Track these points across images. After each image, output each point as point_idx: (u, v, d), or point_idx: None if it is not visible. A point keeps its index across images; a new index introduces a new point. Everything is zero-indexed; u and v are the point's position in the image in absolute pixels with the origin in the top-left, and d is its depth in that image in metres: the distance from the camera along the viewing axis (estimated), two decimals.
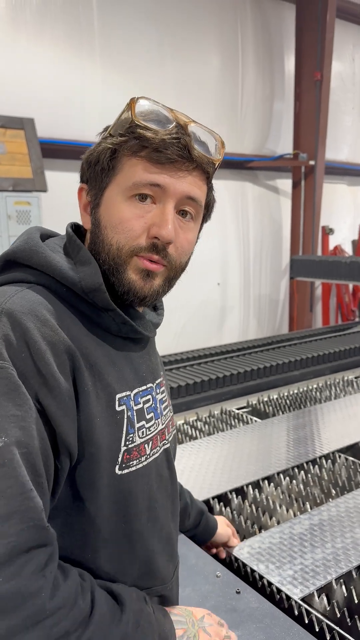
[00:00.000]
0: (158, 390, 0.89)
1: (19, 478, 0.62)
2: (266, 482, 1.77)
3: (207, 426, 2.31)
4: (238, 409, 2.54)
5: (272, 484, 1.76)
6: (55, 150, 4.93)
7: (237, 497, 1.67)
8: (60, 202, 4.66)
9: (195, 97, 5.96)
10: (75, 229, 0.86)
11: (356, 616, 1.17)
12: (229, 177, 6.54)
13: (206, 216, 0.87)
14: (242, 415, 2.42)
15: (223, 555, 1.39)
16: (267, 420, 2.31)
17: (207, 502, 1.63)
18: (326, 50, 6.24)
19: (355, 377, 3.04)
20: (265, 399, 2.64)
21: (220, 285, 6.62)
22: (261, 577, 1.28)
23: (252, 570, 1.30)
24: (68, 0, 4.98)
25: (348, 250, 7.83)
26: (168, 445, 0.91)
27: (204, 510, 1.34)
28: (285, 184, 7.06)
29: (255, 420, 2.34)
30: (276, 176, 7.04)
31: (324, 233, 7.24)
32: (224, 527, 1.39)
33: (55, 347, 0.70)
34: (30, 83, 4.80)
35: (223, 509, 1.62)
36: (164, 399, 0.91)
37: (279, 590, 1.23)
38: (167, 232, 0.75)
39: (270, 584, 1.25)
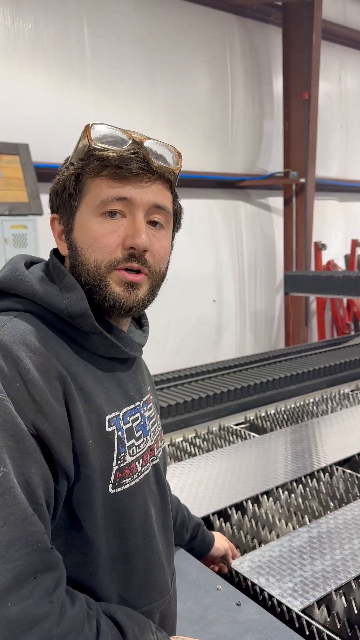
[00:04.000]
0: (145, 408, 0.91)
1: (21, 505, 0.64)
2: (265, 496, 1.79)
3: (205, 443, 2.33)
4: (236, 425, 2.56)
5: (271, 499, 1.78)
6: (50, 174, 4.94)
7: (236, 512, 1.69)
8: None
9: (186, 119, 6.09)
10: (58, 253, 0.89)
11: (356, 626, 1.19)
12: (221, 197, 6.64)
13: (176, 224, 0.90)
14: (240, 431, 2.44)
15: (225, 570, 1.40)
16: (265, 435, 2.33)
17: (207, 518, 1.65)
18: (313, 70, 6.39)
19: (352, 391, 3.07)
20: (263, 414, 2.66)
21: (216, 303, 6.68)
22: (262, 590, 1.30)
23: (253, 584, 1.32)
24: (60, 28, 5.12)
25: (341, 264, 7.91)
26: (157, 460, 0.93)
27: (200, 523, 1.37)
28: (277, 201, 7.17)
29: (254, 436, 2.36)
30: (268, 194, 7.15)
31: (317, 248, 7.33)
32: (220, 541, 1.41)
33: (47, 374, 0.72)
34: (24, 109, 4.91)
35: (223, 524, 1.64)
36: (151, 416, 0.94)
37: (280, 603, 1.25)
38: (141, 241, 0.78)
39: (270, 596, 1.27)
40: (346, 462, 2.09)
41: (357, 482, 1.89)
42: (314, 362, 3.43)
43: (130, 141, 0.79)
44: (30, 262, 0.88)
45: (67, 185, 0.81)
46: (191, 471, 1.96)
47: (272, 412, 2.70)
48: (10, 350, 0.71)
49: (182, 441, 2.35)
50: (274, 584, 1.31)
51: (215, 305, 6.68)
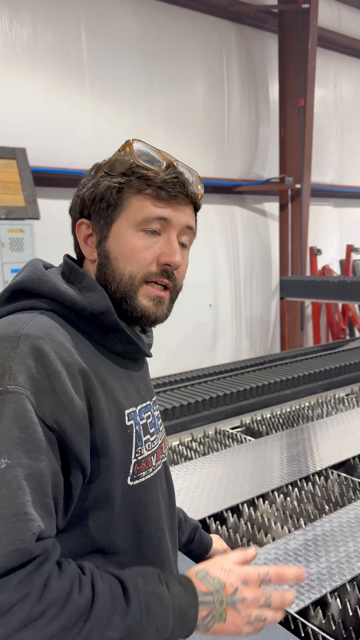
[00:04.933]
0: (155, 408, 0.95)
1: (15, 500, 0.64)
2: (261, 500, 1.80)
3: (201, 446, 2.34)
4: (232, 428, 2.58)
5: (266, 502, 1.79)
6: (47, 179, 5.03)
7: (232, 515, 1.70)
8: (53, 229, 4.74)
9: (183, 125, 6.13)
10: (71, 258, 0.93)
11: (351, 628, 1.21)
12: (218, 202, 6.68)
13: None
14: (236, 434, 2.46)
15: None
16: (260, 439, 2.35)
17: (203, 521, 1.66)
18: (309, 77, 6.44)
19: (347, 395, 3.09)
20: (259, 418, 2.68)
21: (212, 307, 6.70)
22: None
23: None
24: (58, 33, 5.15)
25: (336, 270, 7.96)
26: (166, 459, 0.97)
27: (198, 525, 1.37)
28: (272, 207, 7.21)
29: (249, 440, 2.38)
30: (264, 200, 7.19)
31: (312, 254, 7.37)
32: (219, 543, 1.41)
33: (70, 368, 0.75)
34: (22, 114, 4.93)
35: (219, 527, 1.65)
36: (159, 416, 0.97)
37: None
38: (177, 260, 0.85)
39: None
40: (341, 466, 2.11)
41: (352, 485, 1.91)
42: (310, 366, 3.45)
43: (165, 162, 0.85)
44: (46, 267, 0.91)
45: (107, 196, 0.85)
46: (187, 474, 1.97)
47: (268, 416, 2.71)
48: (35, 344, 0.73)
49: (178, 445, 2.36)
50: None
51: (211, 310, 6.70)
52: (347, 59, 7.90)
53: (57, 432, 0.71)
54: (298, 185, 6.68)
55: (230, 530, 1.64)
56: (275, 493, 1.84)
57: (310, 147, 6.63)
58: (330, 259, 7.95)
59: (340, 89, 7.92)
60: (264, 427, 2.57)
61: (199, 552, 1.37)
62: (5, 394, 0.69)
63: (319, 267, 7.56)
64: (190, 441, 2.41)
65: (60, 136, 5.19)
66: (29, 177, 4.49)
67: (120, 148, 0.86)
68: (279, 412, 2.77)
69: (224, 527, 1.65)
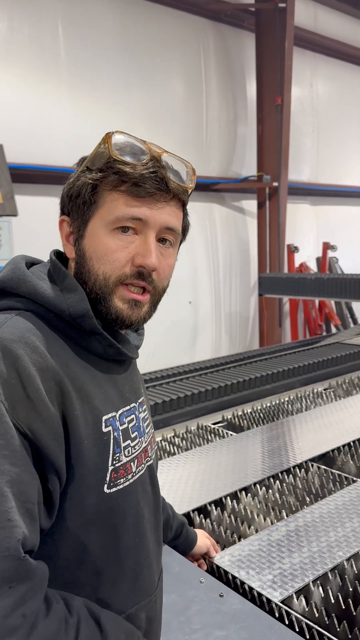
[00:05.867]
0: (140, 409, 0.92)
1: None
2: (243, 492, 1.83)
3: (184, 442, 2.36)
4: (214, 423, 2.60)
5: (249, 495, 1.82)
6: (25, 175, 4.98)
7: (216, 508, 1.72)
8: (31, 226, 4.70)
9: (161, 122, 6.13)
10: (58, 255, 0.90)
11: (333, 615, 1.24)
12: (196, 199, 6.69)
13: (182, 240, 0.92)
14: (218, 429, 2.48)
15: (204, 567, 1.43)
16: (242, 433, 2.38)
17: (187, 515, 1.68)
18: (285, 76, 6.50)
19: (325, 389, 3.14)
20: (240, 413, 2.71)
21: (192, 304, 6.73)
22: (242, 583, 1.33)
23: (234, 577, 1.35)
24: (34, 28, 5.09)
25: (313, 267, 8.06)
26: (151, 462, 0.95)
27: (184, 522, 1.39)
28: (250, 204, 7.26)
29: (231, 434, 2.41)
30: (242, 197, 7.23)
31: (290, 251, 7.46)
32: (203, 539, 1.44)
33: (44, 374, 0.73)
34: None
35: (203, 520, 1.67)
36: (145, 417, 0.95)
37: (260, 594, 1.29)
38: (151, 262, 0.80)
39: (251, 589, 1.31)
40: (321, 459, 2.15)
41: (331, 477, 1.95)
42: (288, 362, 3.50)
43: (149, 154, 0.80)
44: (31, 263, 0.89)
45: (83, 193, 0.82)
46: (170, 469, 1.98)
47: (249, 410, 2.74)
48: (9, 347, 0.71)
49: (161, 440, 2.37)
50: (254, 576, 1.35)
51: (191, 307, 6.72)
52: (323, 58, 8.00)
53: (31, 439, 0.70)
54: (275, 184, 6.74)
55: (214, 523, 1.66)
56: (257, 486, 1.87)
57: (287, 146, 6.70)
58: (307, 256, 8.05)
59: (316, 88, 8.01)
60: (245, 421, 2.60)
61: (184, 548, 1.39)
62: None
63: (296, 264, 7.65)
64: (173, 437, 2.43)
65: (38, 132, 5.14)
66: (6, 174, 4.44)
67: (101, 141, 0.81)
68: (259, 407, 2.80)
69: (207, 520, 1.67)
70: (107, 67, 5.64)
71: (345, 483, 1.89)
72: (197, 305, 6.80)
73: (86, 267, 0.83)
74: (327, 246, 7.95)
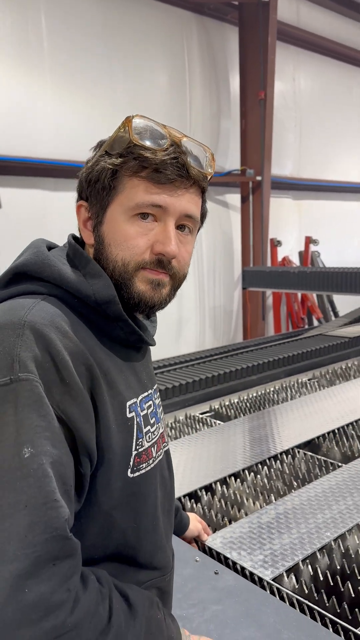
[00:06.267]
0: (156, 396, 0.94)
1: (44, 487, 0.63)
2: (233, 478, 1.87)
3: (173, 431, 2.39)
4: (202, 413, 2.64)
5: (238, 480, 1.86)
6: (8, 167, 4.94)
7: (206, 494, 1.76)
8: (14, 217, 4.67)
9: (144, 114, 6.10)
10: (75, 239, 0.89)
11: (322, 591, 1.29)
12: None
13: (200, 226, 0.91)
14: (205, 419, 2.52)
15: (196, 549, 1.47)
16: (229, 422, 2.42)
17: (179, 500, 1.71)
18: (268, 70, 6.54)
19: (309, 379, 3.20)
20: (227, 403, 2.75)
21: (177, 298, 6.73)
22: (234, 564, 1.37)
23: (226, 558, 1.39)
24: (17, 20, 5.03)
25: (295, 261, 8.15)
26: (167, 447, 0.97)
27: (179, 507, 1.43)
28: (234, 198, 7.31)
29: (219, 423, 2.45)
30: (225, 191, 7.27)
31: (273, 245, 7.53)
32: (195, 523, 1.47)
33: (75, 358, 0.73)
34: None
35: (194, 505, 1.70)
36: (159, 404, 0.96)
37: (252, 574, 1.33)
38: (171, 249, 0.80)
39: (243, 568, 1.35)
40: (307, 445, 2.20)
41: (317, 463, 2.00)
42: (273, 353, 3.55)
43: (169, 139, 0.79)
44: (49, 247, 0.87)
45: (102, 178, 0.80)
46: None
47: (236, 400, 2.79)
48: (41, 331, 0.71)
49: None
50: (245, 557, 1.39)
51: (175, 300, 6.70)
52: (305, 53, 8.06)
53: (66, 422, 0.70)
54: (259, 178, 6.79)
55: (205, 507, 1.70)
56: (246, 472, 1.91)
57: (270, 140, 6.75)
58: (290, 250, 8.14)
59: (299, 82, 8.07)
60: (232, 411, 2.65)
61: (177, 531, 1.43)
62: (19, 381, 0.67)
63: (279, 258, 7.72)
64: None
65: (21, 124, 5.10)
66: None
67: (120, 125, 0.80)
68: (245, 397, 2.85)
69: (198, 504, 1.71)
70: (90, 59, 5.61)
71: (331, 468, 1.95)
72: (181, 298, 6.83)
73: (105, 253, 0.82)
74: (309, 240, 8.04)
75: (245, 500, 1.72)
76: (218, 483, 1.83)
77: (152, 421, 0.88)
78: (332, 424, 2.35)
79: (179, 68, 6.51)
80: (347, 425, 2.36)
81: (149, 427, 0.86)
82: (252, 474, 1.91)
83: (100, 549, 0.81)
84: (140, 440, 0.83)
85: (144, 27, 6.06)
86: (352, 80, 8.91)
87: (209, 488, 1.81)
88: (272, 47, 6.54)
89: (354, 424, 2.39)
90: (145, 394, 0.88)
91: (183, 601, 1.11)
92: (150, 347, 0.95)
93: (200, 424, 2.47)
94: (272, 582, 1.30)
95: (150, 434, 0.87)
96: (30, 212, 4.91)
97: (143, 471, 0.84)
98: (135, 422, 0.82)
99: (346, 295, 4.82)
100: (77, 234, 0.90)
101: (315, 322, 7.84)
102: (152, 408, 0.89)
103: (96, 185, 0.82)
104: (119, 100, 5.90)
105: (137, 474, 0.83)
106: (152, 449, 0.87)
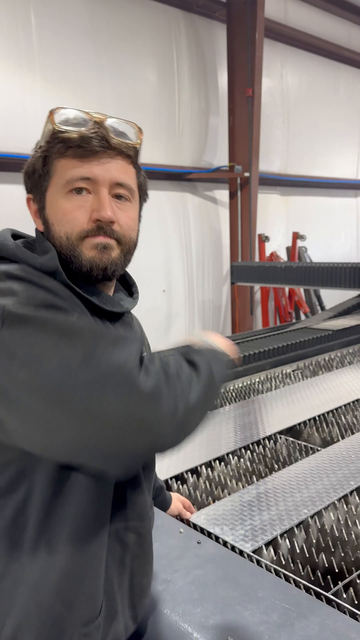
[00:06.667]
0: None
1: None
2: (217, 461, 1.96)
3: None
4: None
5: (222, 463, 1.96)
6: None
7: (192, 476, 1.85)
8: (4, 213, 4.71)
9: (133, 111, 6.16)
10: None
11: (298, 561, 1.39)
12: (169, 188, 6.78)
13: (142, 195, 0.98)
14: None
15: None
16: (215, 410, 2.51)
17: (165, 482, 1.80)
18: (256, 67, 6.61)
19: (293, 371, 3.31)
20: None
21: (166, 292, 6.84)
22: (217, 538, 1.46)
23: (209, 533, 1.48)
24: (6, 17, 5.06)
25: (283, 256, 8.27)
26: None
27: (162, 486, 1.52)
28: (222, 194, 7.39)
29: None
30: (214, 187, 7.35)
31: (260, 240, 7.63)
32: (176, 504, 1.56)
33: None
34: None
35: (180, 486, 1.80)
36: None
37: (233, 547, 1.42)
38: (106, 213, 0.86)
39: (225, 542, 1.44)
40: (288, 431, 2.30)
41: (298, 447, 2.10)
42: (259, 345, 3.65)
43: (92, 121, 0.86)
44: (18, 236, 0.95)
45: (37, 167, 0.89)
46: None
47: (222, 390, 2.88)
48: (35, 276, 0.81)
49: None
50: (227, 532, 1.48)
51: (165, 295, 6.83)
52: (293, 50, 8.14)
53: None
54: (247, 174, 6.87)
55: (191, 488, 1.79)
56: (230, 455, 2.00)
57: (258, 136, 6.83)
58: (278, 245, 8.24)
59: (286, 79, 8.15)
60: (218, 400, 2.74)
61: (159, 508, 1.52)
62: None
63: (267, 253, 7.83)
64: None
65: (11, 120, 5.14)
66: None
67: (46, 119, 0.87)
68: (232, 387, 2.94)
69: (184, 486, 1.80)
70: (79, 56, 5.65)
71: (311, 452, 2.05)
72: (170, 293, 6.92)
73: (51, 232, 0.89)
74: (296, 236, 8.15)
75: (229, 482, 1.81)
76: (203, 466, 1.92)
77: None
78: (313, 411, 2.45)
79: (168, 65, 6.57)
80: (328, 412, 2.47)
81: None
82: (236, 457, 2.00)
83: (99, 494, 0.88)
84: None
85: (133, 24, 6.11)
86: (339, 76, 9.02)
87: (194, 471, 1.91)
88: (260, 44, 6.61)
89: (334, 411, 2.50)
90: None
91: (168, 567, 1.20)
92: (122, 312, 0.98)
93: None
94: (251, 553, 1.39)
95: None
96: (20, 208, 4.94)
97: None
98: None
99: (332, 289, 4.92)
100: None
101: (303, 317, 7.97)
102: None
103: (34, 175, 0.91)
104: (108, 97, 5.95)
105: None
106: None
